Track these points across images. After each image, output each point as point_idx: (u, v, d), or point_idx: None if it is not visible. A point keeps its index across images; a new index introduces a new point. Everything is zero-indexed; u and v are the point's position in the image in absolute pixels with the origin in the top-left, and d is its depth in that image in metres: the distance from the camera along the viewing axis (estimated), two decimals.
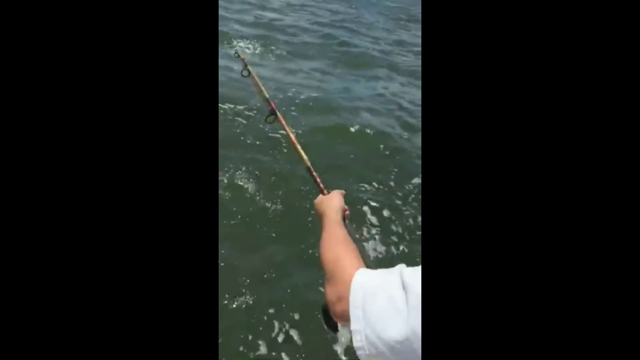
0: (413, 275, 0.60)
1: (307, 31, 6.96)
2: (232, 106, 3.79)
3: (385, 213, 2.93)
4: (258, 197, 2.84)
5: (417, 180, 3.32)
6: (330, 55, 6.04)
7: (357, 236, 0.94)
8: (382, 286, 0.63)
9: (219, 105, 3.77)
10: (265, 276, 2.30)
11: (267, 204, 2.79)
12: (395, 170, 3.43)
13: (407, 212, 3.00)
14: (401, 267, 0.65)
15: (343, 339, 1.92)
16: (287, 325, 2.05)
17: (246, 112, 3.76)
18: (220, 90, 3.99)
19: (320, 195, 1.08)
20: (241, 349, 1.92)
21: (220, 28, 6.08)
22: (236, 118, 3.67)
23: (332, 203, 0.99)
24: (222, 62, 4.43)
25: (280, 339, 1.99)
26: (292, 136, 1.28)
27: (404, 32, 8.31)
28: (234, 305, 2.10)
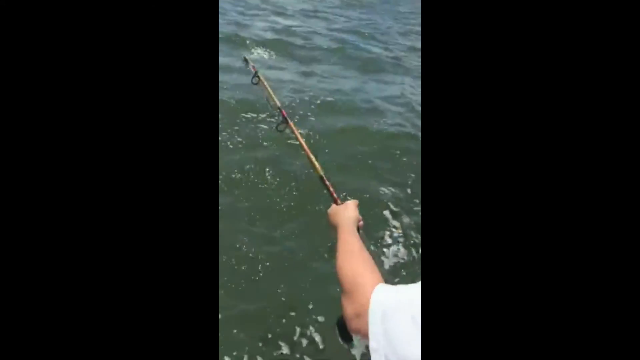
0: None
1: (322, 36, 7.01)
2: (254, 115, 3.80)
3: (405, 217, 2.90)
4: (278, 197, 2.84)
5: None
6: (345, 60, 6.07)
7: (372, 248, 0.93)
8: (403, 305, 0.62)
9: (239, 110, 3.79)
10: (285, 270, 2.31)
11: (284, 202, 2.80)
12: (412, 175, 3.41)
13: None
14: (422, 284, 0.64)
15: (358, 349, 1.91)
16: (308, 320, 2.06)
17: (268, 119, 3.78)
18: (238, 94, 4.03)
19: (334, 205, 1.05)
20: (260, 344, 1.92)
21: (236, 33, 6.16)
22: (258, 125, 3.69)
23: (346, 214, 0.97)
24: (237, 65, 4.48)
25: (297, 335, 1.99)
26: (305, 145, 1.25)
27: (417, 37, 8.31)
28: (250, 299, 2.11)
